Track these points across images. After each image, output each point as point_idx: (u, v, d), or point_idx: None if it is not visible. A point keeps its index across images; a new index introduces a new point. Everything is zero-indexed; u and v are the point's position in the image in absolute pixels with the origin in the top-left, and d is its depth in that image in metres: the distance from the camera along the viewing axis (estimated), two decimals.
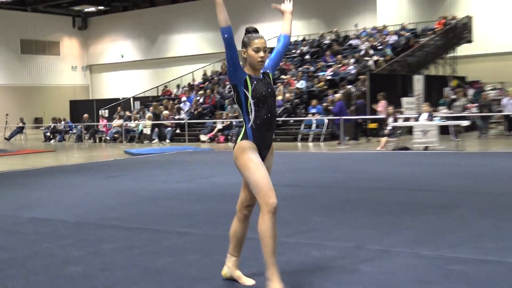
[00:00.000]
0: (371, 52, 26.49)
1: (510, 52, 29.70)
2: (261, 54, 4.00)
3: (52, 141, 27.82)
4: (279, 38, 4.52)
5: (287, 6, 4.68)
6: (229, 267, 4.32)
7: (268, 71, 4.23)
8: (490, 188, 8.81)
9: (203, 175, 11.54)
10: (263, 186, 3.83)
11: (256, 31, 4.16)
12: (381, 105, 20.04)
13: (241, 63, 3.99)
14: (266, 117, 4.00)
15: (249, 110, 3.96)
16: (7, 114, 33.59)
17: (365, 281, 4.26)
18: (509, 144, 16.80)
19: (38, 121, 39.62)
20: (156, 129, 24.49)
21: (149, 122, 25.14)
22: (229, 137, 22.66)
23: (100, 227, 6.69)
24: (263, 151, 4.05)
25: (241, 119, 4.91)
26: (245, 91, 3.94)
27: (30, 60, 43.21)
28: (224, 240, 5.79)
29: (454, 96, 21.49)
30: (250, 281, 4.26)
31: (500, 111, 19.91)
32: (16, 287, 4.46)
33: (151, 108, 26.77)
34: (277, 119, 22.44)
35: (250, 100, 3.94)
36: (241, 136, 4.02)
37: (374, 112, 20.41)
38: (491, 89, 23.88)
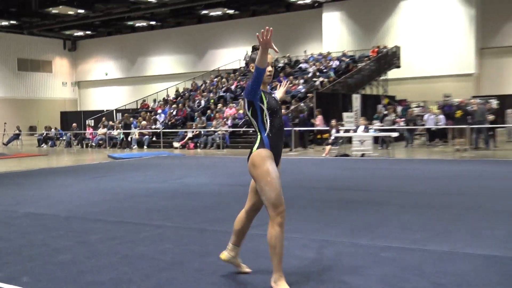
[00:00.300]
0: (318, 74, 26.78)
1: (431, 76, 30.43)
2: (270, 68, 3.88)
3: (44, 146, 27.41)
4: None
5: (280, 93, 4.51)
6: (233, 256, 4.14)
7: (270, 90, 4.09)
8: (414, 188, 8.97)
9: (175, 177, 11.52)
10: (277, 203, 3.64)
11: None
12: (318, 119, 20.49)
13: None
14: (279, 126, 3.85)
15: (265, 121, 3.80)
16: (5, 123, 33.26)
17: (311, 266, 4.32)
18: (430, 152, 17.16)
19: (32, 129, 39.22)
20: (123, 136, 24.50)
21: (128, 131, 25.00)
22: (198, 144, 22.64)
23: (86, 220, 6.64)
24: (277, 158, 3.84)
25: (252, 129, 4.61)
26: (261, 104, 3.78)
27: (26, 76, 42.74)
28: (194, 231, 5.83)
29: (385, 112, 21.84)
30: (248, 269, 4.19)
31: (423, 125, 20.29)
32: (13, 272, 4.41)
33: (122, 118, 26.79)
34: (240, 129, 22.66)
35: (266, 112, 3.79)
36: (257, 144, 3.79)
37: (312, 125, 20.73)
38: (416, 107, 24.31)
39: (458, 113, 17.98)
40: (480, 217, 6.27)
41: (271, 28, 3.52)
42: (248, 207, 4.05)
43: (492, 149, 17.08)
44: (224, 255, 4.15)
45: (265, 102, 3.79)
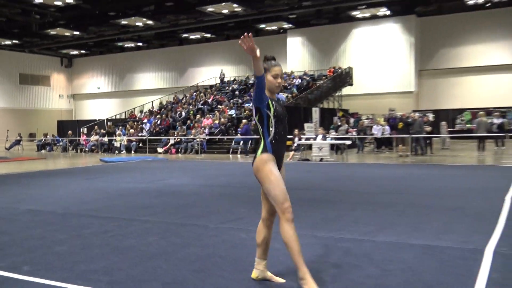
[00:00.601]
0: (283, 90, 26.91)
1: (378, 93, 30.89)
2: (279, 80, 3.56)
3: (43, 151, 26.89)
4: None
5: None
6: (261, 270, 3.71)
7: (279, 99, 3.74)
8: (365, 188, 9.06)
9: (159, 178, 11.41)
10: (281, 199, 3.38)
11: (274, 59, 3.62)
12: None
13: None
14: (283, 133, 3.57)
15: (270, 128, 3.49)
16: (7, 130, 32.59)
17: (278, 255, 4.32)
18: (377, 158, 17.40)
19: (32, 135, 38.41)
20: (106, 142, 24.29)
21: (119, 138, 24.70)
22: (179, 149, 22.50)
23: (81, 216, 6.53)
24: (279, 162, 3.58)
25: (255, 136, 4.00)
26: (268, 111, 3.48)
27: (27, 89, 41.97)
28: (176, 225, 5.78)
29: (340, 123, 22.08)
30: (281, 280, 3.72)
31: (372, 134, 20.58)
32: (15, 262, 4.31)
33: (98, 128, 26.58)
34: (215, 137, 22.58)
35: (272, 119, 3.49)
36: (260, 150, 3.52)
37: None
38: (366, 119, 24.63)
39: (400, 125, 18.25)
40: (419, 212, 6.35)
41: (250, 33, 3.27)
42: (263, 214, 3.70)
43: (429, 155, 17.37)
44: (254, 273, 3.74)
45: (272, 110, 3.51)
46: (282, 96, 3.81)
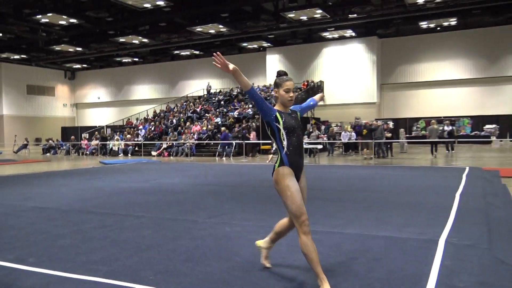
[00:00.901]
0: None
1: (346, 103, 31.09)
2: (291, 94, 3.28)
3: (48, 154, 26.37)
4: (310, 100, 3.89)
5: (319, 98, 4.05)
6: (264, 247, 3.68)
7: (297, 110, 3.47)
8: (334, 186, 9.09)
9: (153, 178, 11.29)
10: (298, 213, 3.15)
11: (286, 74, 3.38)
12: (252, 135, 20.56)
13: (273, 101, 3.39)
14: (297, 144, 3.25)
15: (282, 140, 3.21)
16: (15, 135, 32.00)
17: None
18: (345, 160, 17.51)
19: (38, 140, 37.76)
20: (100, 145, 23.98)
21: (117, 142, 24.40)
22: (171, 153, 22.32)
23: (82, 212, 6.40)
24: (298, 173, 3.27)
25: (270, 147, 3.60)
26: (277, 124, 3.21)
27: (33, 99, 41.15)
28: (168, 220, 5.70)
29: (312, 130, 22.17)
30: (269, 265, 3.68)
31: (340, 140, 20.71)
32: (22, 254, 4.20)
33: (98, 133, 26.21)
34: (203, 142, 22.45)
35: (283, 131, 3.20)
36: (278, 163, 3.24)
37: (248, 138, 20.79)
38: (335, 126, 24.80)
39: (365, 131, 18.41)
40: (383, 208, 6.39)
41: (218, 52, 3.14)
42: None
43: (390, 158, 17.54)
44: (259, 241, 3.72)
45: (281, 122, 3.22)
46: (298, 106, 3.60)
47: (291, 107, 3.41)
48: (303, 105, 3.72)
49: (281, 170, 3.21)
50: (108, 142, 24.93)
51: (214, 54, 3.10)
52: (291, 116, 3.32)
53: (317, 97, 4.07)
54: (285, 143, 3.22)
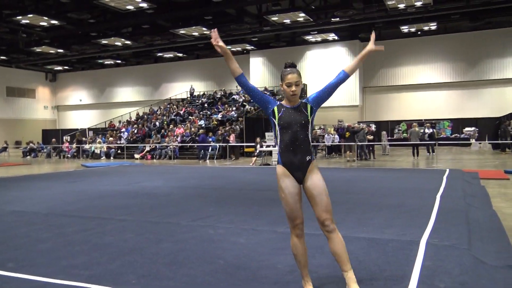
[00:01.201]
0: (246, 103, 26.98)
1: (329, 106, 31.16)
2: (293, 88, 3.02)
3: (28, 157, 25.93)
4: (339, 73, 3.16)
5: (371, 45, 3.24)
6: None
7: (308, 102, 3.11)
8: None
9: (136, 181, 11.18)
10: (291, 217, 3.09)
11: (292, 65, 3.10)
12: (232, 137, 20.57)
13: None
14: (290, 142, 3.01)
15: (277, 136, 3.07)
16: None
17: (242, 249, 4.30)
18: (329, 162, 17.61)
19: (18, 143, 37.04)
20: (77, 148, 23.73)
21: (99, 145, 24.10)
22: (154, 155, 22.16)
23: (63, 216, 6.29)
24: (295, 173, 3.05)
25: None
26: (273, 119, 3.05)
27: (13, 101, 40.34)
28: (150, 223, 5.65)
29: None
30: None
31: (323, 142, 20.84)
32: (1, 259, 4.11)
33: (76, 136, 26.11)
34: (187, 144, 22.30)
35: (277, 127, 3.04)
36: (277, 160, 3.10)
37: (227, 141, 20.79)
38: (318, 128, 24.93)
39: (347, 134, 18.56)
40: (364, 209, 6.43)
41: (215, 29, 3.04)
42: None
43: (372, 160, 17.71)
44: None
45: (277, 117, 3.03)
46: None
47: (303, 100, 3.12)
48: (324, 87, 3.15)
49: (277, 169, 3.11)
50: (84, 145, 24.64)
51: (212, 30, 3.05)
52: (295, 110, 3.05)
53: (357, 58, 3.25)
54: (278, 140, 3.07)
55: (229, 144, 20.29)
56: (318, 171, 3.11)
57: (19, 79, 40.63)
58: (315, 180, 3.08)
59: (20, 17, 24.59)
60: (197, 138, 21.96)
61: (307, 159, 3.07)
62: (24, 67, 39.89)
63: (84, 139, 26.04)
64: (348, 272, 3.05)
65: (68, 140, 27.00)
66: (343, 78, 3.13)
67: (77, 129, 31.50)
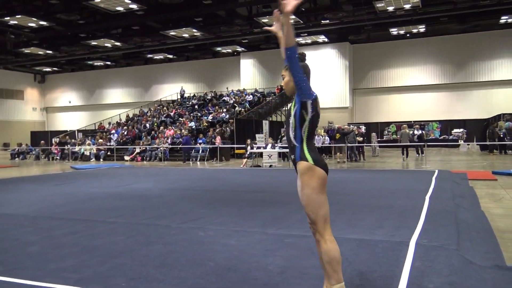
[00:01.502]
0: (236, 105, 26.96)
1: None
2: (282, 83, 2.89)
3: (17, 159, 25.63)
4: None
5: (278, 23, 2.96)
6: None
7: (293, 98, 2.88)
8: None
9: (126, 183, 11.10)
10: (326, 217, 2.93)
11: (302, 58, 2.87)
12: (218, 139, 20.57)
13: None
14: (286, 139, 2.90)
15: (303, 131, 2.81)
16: None
17: (232, 250, 4.28)
18: None
19: (6, 145, 36.60)
20: (83, 151, 23.49)
21: (88, 147, 23.90)
22: (144, 157, 22.03)
23: (52, 219, 6.22)
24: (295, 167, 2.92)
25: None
26: (307, 110, 2.80)
27: (1, 102, 40.01)
28: (140, 226, 5.61)
29: (283, 133, 22.23)
30: None
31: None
32: None
33: (59, 138, 26.15)
34: (177, 146, 22.24)
35: (307, 122, 2.79)
36: (304, 158, 2.88)
37: (214, 143, 20.78)
38: None
39: (338, 135, 18.63)
40: (354, 210, 6.44)
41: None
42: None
43: (362, 162, 17.80)
44: None
45: (309, 110, 2.79)
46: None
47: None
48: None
49: (316, 169, 2.85)
50: (68, 146, 24.46)
51: None
52: (293, 105, 2.86)
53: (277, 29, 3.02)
54: (305, 135, 2.82)
55: (215, 146, 20.24)
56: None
57: (7, 80, 40.23)
58: (299, 183, 2.98)
59: (8, 18, 24.37)
60: (181, 139, 21.89)
61: (295, 158, 3.02)
62: (12, 68, 39.51)
63: (70, 140, 25.80)
64: None
65: (57, 142, 26.76)
66: (287, 56, 2.78)
67: (66, 131, 31.23)
